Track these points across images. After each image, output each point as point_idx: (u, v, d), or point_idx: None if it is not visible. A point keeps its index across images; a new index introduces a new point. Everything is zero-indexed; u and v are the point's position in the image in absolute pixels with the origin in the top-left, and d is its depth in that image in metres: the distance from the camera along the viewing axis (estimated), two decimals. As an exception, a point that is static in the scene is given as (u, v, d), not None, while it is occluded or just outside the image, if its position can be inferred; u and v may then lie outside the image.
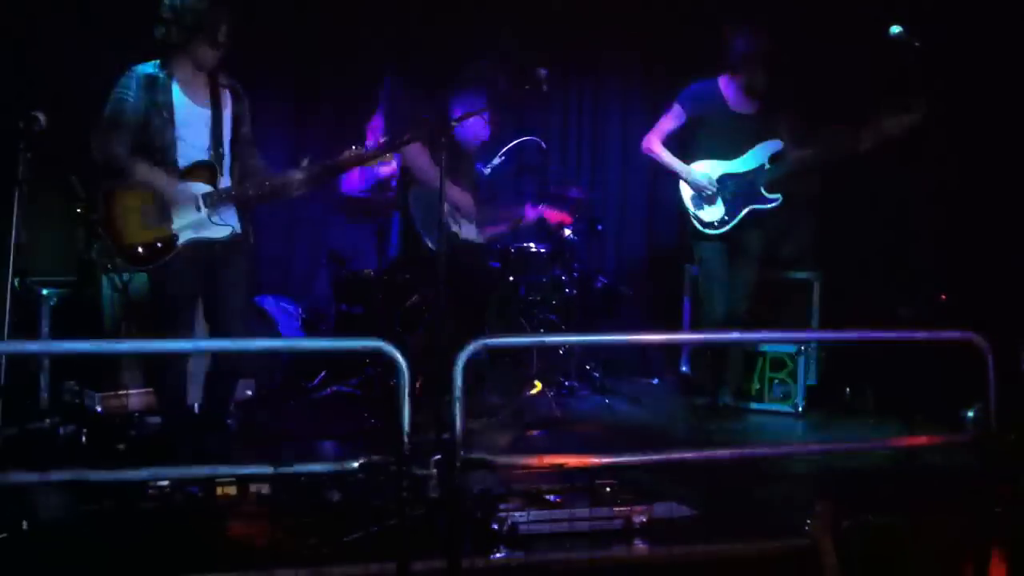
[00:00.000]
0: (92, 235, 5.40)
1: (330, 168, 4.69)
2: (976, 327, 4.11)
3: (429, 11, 7.23)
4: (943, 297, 6.02)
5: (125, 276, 5.32)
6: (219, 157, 4.50)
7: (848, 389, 6.23)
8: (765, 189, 5.91)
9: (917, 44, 4.86)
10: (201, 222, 4.45)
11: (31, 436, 4.83)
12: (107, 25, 6.14)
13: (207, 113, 4.50)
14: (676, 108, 6.05)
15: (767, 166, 5.93)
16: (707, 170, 5.96)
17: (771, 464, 4.92)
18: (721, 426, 5.88)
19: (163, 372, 4.61)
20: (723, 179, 5.94)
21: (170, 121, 4.40)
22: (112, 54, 5.90)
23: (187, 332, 4.57)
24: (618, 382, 6.92)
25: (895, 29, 4.92)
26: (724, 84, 6.01)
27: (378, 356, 3.87)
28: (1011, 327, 4.20)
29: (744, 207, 5.93)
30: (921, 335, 4.74)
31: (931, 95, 5.09)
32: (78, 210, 5.41)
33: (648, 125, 6.24)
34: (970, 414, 5.47)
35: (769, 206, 5.95)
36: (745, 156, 5.95)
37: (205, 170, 4.47)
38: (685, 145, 6.08)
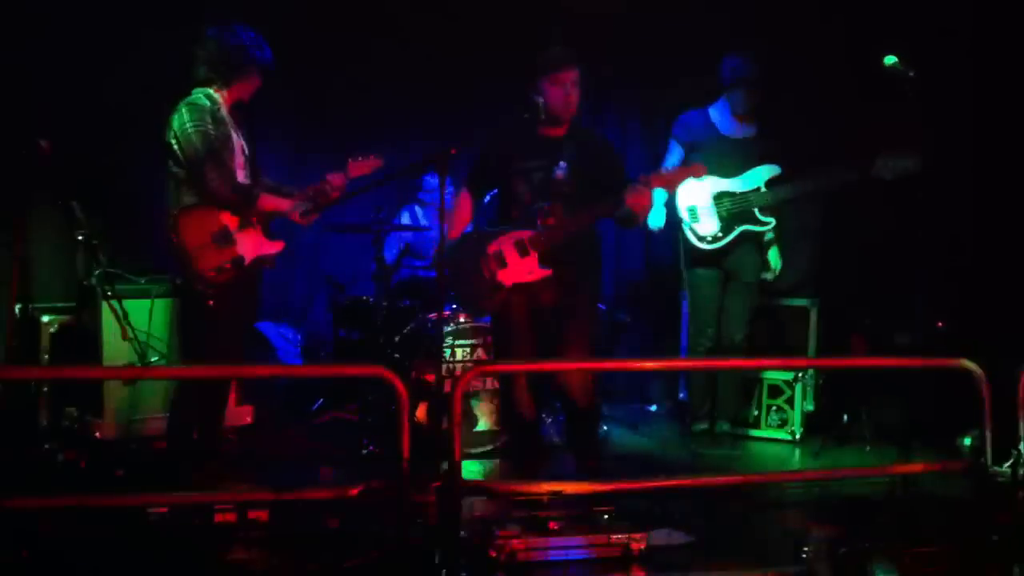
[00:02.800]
0: (93, 261, 5.43)
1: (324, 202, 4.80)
2: (973, 355, 4.15)
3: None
4: (940, 325, 6.04)
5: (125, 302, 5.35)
6: (256, 175, 4.70)
7: (846, 416, 6.23)
8: (760, 212, 5.94)
9: (912, 74, 4.89)
10: (259, 241, 4.63)
11: (30, 461, 4.83)
12: (110, 53, 6.19)
13: (243, 142, 4.68)
14: (672, 143, 6.10)
15: (763, 189, 5.95)
16: (705, 186, 5.96)
17: (768, 491, 4.93)
18: (718, 453, 5.89)
19: (190, 397, 4.65)
20: (720, 196, 5.96)
21: (231, 150, 4.57)
22: (114, 81, 6.03)
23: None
24: (616, 409, 6.93)
25: (889, 59, 4.96)
26: (716, 109, 6.07)
27: (378, 382, 3.90)
28: (1008, 355, 4.22)
29: (738, 226, 5.95)
30: (917, 363, 4.79)
31: (927, 126, 5.12)
32: (79, 236, 5.44)
33: (646, 150, 6.29)
34: (967, 441, 5.48)
35: (762, 228, 5.99)
36: (742, 176, 5.97)
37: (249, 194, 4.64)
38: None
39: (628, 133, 7.93)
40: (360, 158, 4.84)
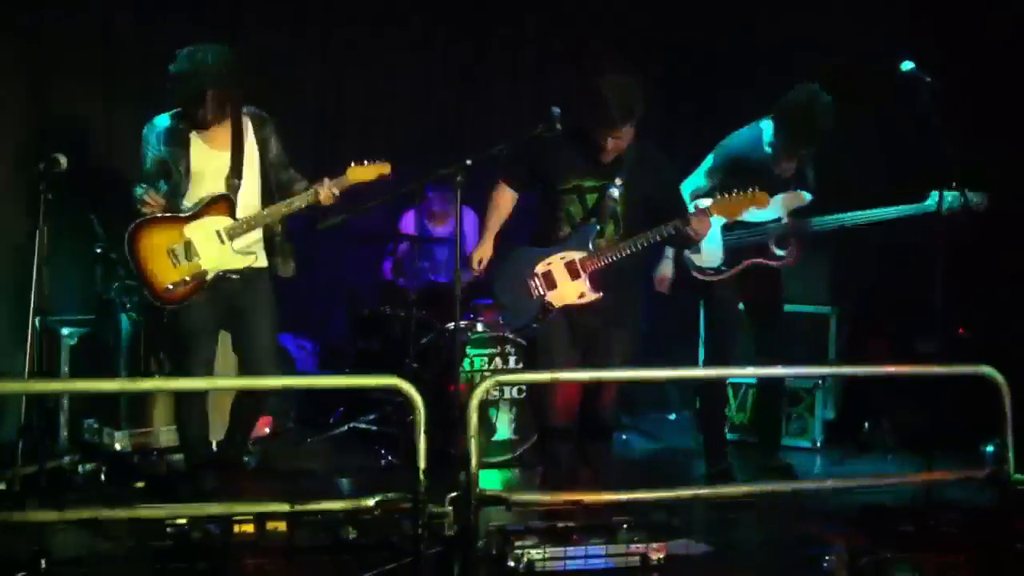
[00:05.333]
0: (111, 274, 5.46)
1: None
2: (994, 362, 4.11)
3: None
4: (961, 331, 6.00)
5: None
6: (234, 188, 4.61)
7: (866, 424, 6.19)
8: (776, 244, 5.42)
9: (929, 80, 4.86)
10: (223, 254, 4.56)
11: (50, 474, 4.85)
12: (126, 70, 6.23)
13: (226, 155, 4.62)
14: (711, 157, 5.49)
15: (784, 219, 5.39)
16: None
17: (789, 500, 4.90)
18: (737, 462, 5.85)
19: (186, 409, 4.69)
20: (732, 225, 5.34)
21: (186, 170, 4.56)
22: (131, 97, 6.06)
23: (206, 369, 4.63)
24: (634, 417, 6.91)
25: (906, 65, 4.92)
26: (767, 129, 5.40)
27: (395, 393, 3.89)
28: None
29: (746, 260, 5.43)
30: (938, 370, 4.75)
31: (949, 130, 5.06)
32: (97, 250, 5.47)
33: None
34: (989, 449, 5.43)
35: (775, 264, 5.44)
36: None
37: (222, 203, 4.59)
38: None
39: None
40: (365, 162, 4.68)
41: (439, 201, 6.76)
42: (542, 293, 4.65)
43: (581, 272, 4.63)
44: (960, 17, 6.53)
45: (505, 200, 4.86)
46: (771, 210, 5.15)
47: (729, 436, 6.05)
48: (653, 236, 4.60)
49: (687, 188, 5.33)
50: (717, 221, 4.95)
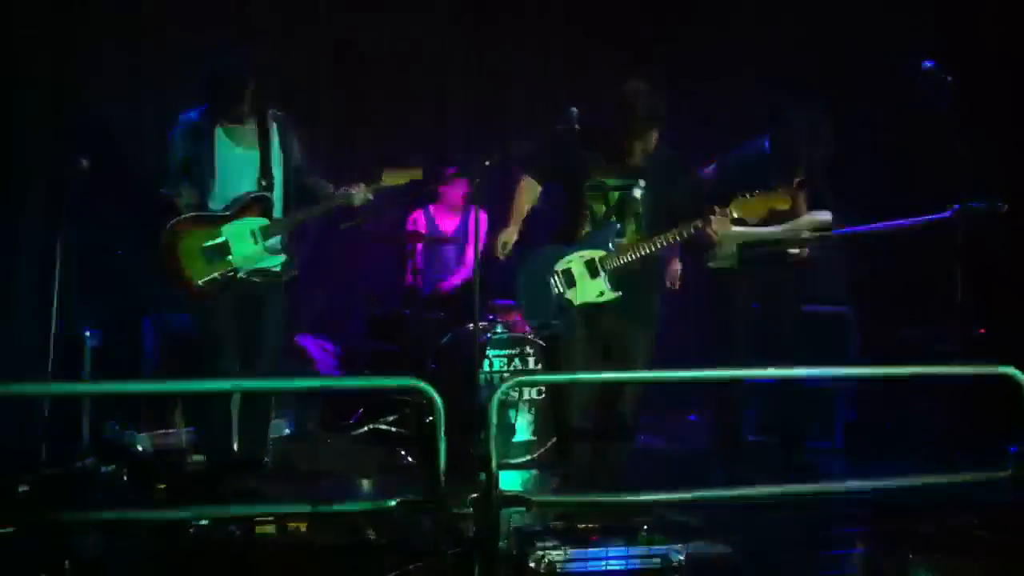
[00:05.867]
0: (133, 277, 5.50)
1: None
2: (1015, 362, 4.09)
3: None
4: (982, 331, 5.96)
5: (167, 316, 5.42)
6: (266, 189, 4.69)
7: (887, 424, 6.16)
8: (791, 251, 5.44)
9: (948, 78, 4.85)
10: (255, 254, 4.65)
11: (73, 476, 4.89)
12: (150, 68, 6.27)
13: (253, 154, 4.69)
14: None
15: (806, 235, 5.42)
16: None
17: (809, 501, 4.88)
18: (758, 463, 5.82)
19: (208, 411, 4.72)
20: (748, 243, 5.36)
21: (209, 166, 4.60)
22: (154, 95, 6.09)
23: (232, 369, 4.67)
24: (654, 418, 6.90)
25: (927, 64, 4.92)
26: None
27: (415, 394, 3.91)
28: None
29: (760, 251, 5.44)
30: (959, 370, 4.73)
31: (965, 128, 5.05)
32: (118, 251, 5.51)
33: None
34: (1012, 450, 5.40)
35: (794, 252, 5.46)
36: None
37: (257, 204, 4.68)
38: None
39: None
40: (399, 168, 4.82)
41: (454, 190, 6.76)
42: (561, 291, 4.66)
43: (601, 271, 4.64)
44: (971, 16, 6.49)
45: (531, 188, 4.87)
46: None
47: (751, 437, 6.04)
48: (674, 236, 4.60)
49: None
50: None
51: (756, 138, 5.44)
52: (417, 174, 4.88)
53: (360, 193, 4.76)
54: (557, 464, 5.28)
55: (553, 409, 5.41)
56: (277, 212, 4.73)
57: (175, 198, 4.60)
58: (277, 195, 4.75)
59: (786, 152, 5.23)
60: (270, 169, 4.70)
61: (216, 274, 4.60)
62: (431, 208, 6.85)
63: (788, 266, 5.47)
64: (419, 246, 6.58)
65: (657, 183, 4.67)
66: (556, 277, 4.68)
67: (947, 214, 5.20)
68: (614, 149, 4.63)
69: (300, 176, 4.82)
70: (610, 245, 4.65)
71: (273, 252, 4.72)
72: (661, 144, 4.71)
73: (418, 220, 6.82)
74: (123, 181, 5.75)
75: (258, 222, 4.66)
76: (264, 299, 4.75)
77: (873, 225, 5.47)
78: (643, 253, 4.62)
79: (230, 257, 4.61)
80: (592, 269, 4.66)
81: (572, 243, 4.72)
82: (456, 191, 6.75)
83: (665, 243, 4.62)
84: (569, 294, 4.67)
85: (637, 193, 4.65)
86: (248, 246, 4.64)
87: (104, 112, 6.12)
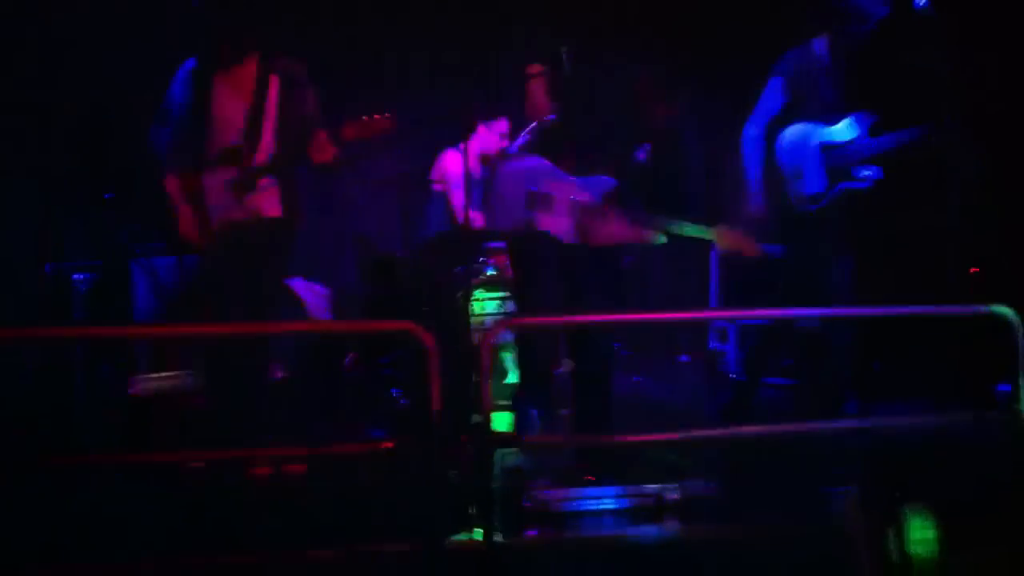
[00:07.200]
0: (121, 220, 5.47)
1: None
2: (1007, 301, 4.10)
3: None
4: (974, 270, 5.96)
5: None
6: (253, 140, 4.61)
7: (875, 365, 6.17)
8: (862, 165, 5.12)
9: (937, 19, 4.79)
10: (231, 205, 4.59)
11: (67, 420, 4.90)
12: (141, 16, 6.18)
13: (247, 103, 4.62)
14: (774, 81, 5.32)
15: (867, 138, 5.11)
16: (803, 136, 5.21)
17: (800, 442, 4.91)
18: (748, 404, 5.85)
19: (206, 356, 4.70)
20: (823, 148, 5.15)
21: (204, 113, 4.58)
22: (142, 40, 6.01)
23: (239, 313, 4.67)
24: (646, 360, 6.92)
25: (921, 2, 4.85)
26: (818, 45, 5.24)
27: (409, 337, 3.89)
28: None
29: (838, 184, 5.16)
30: (950, 310, 4.73)
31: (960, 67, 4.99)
32: (106, 196, 5.47)
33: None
34: (1001, 389, 5.43)
35: (863, 186, 5.12)
36: (841, 125, 5.14)
37: (233, 154, 4.59)
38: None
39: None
40: (364, 118, 4.61)
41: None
42: (534, 211, 4.62)
43: (580, 217, 4.61)
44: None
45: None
46: (850, 128, 5.08)
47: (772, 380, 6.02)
48: (662, 224, 4.58)
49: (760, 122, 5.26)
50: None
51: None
52: (386, 123, 4.65)
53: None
54: (540, 405, 5.29)
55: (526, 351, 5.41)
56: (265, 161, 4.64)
57: (168, 146, 4.55)
58: (268, 144, 4.65)
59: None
60: (259, 119, 4.63)
61: (210, 223, 4.56)
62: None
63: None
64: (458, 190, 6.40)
65: (661, 157, 4.69)
66: (531, 196, 4.60)
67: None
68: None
69: (305, 126, 4.68)
70: (599, 200, 4.64)
71: (255, 200, 4.64)
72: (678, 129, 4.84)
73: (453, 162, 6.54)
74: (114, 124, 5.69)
75: (232, 172, 4.60)
76: (259, 245, 4.71)
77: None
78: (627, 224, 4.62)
79: (220, 207, 4.56)
80: (572, 210, 4.63)
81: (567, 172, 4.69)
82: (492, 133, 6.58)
83: (647, 228, 4.63)
84: (539, 218, 4.60)
85: (641, 156, 4.70)
86: (227, 197, 4.59)
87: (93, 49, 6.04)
